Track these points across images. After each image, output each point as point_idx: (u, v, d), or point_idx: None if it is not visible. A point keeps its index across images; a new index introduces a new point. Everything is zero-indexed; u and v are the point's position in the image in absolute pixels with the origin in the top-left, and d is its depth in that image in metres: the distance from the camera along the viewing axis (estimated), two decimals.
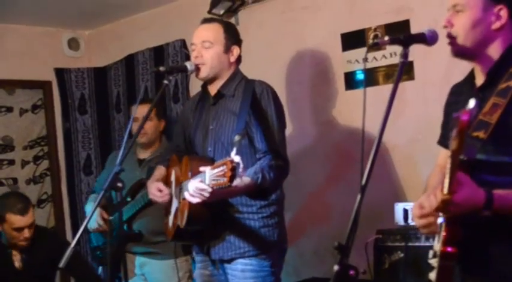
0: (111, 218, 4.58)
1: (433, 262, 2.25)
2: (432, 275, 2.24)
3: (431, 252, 2.27)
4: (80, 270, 4.69)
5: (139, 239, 4.66)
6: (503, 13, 2.44)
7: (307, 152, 5.06)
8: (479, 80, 2.54)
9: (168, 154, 3.90)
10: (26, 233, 4.40)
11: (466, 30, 2.46)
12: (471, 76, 2.61)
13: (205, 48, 3.56)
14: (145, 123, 4.60)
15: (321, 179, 5.05)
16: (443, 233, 2.19)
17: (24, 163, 6.62)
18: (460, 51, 2.52)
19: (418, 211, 2.40)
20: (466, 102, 2.10)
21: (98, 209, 4.66)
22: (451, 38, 2.50)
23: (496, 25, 2.45)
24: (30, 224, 4.41)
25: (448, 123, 2.64)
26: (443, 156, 2.69)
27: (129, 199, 4.64)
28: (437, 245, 2.24)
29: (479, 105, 2.18)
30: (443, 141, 2.76)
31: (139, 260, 4.78)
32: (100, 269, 4.88)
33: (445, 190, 2.10)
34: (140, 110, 4.70)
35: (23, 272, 4.48)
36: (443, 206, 2.14)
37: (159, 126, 4.87)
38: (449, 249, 2.17)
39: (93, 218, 4.71)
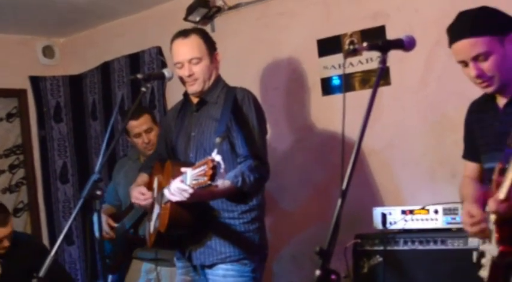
0: (116, 225, 4.57)
1: (484, 261, 2.71)
2: (483, 273, 2.71)
3: (476, 254, 2.79)
4: (59, 279, 4.67)
5: (144, 244, 4.63)
6: None
7: (285, 157, 5.07)
8: (501, 97, 2.80)
9: (151, 162, 3.91)
10: (5, 243, 4.39)
11: (499, 68, 2.68)
12: (490, 96, 2.84)
13: (194, 65, 3.58)
14: (149, 135, 4.59)
15: (299, 184, 5.06)
16: (495, 235, 2.54)
17: None
18: (499, 88, 2.75)
19: (469, 220, 2.72)
20: (492, 119, 2.72)
21: (105, 217, 4.62)
22: (488, 82, 2.73)
23: None
24: (8, 234, 4.40)
25: (472, 139, 2.97)
26: (470, 168, 3.07)
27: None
28: (485, 246, 2.68)
29: None
30: (467, 155, 3.08)
31: (146, 266, 4.74)
32: (110, 277, 4.85)
33: (502, 195, 2.41)
34: (141, 124, 4.65)
35: (1, 278, 4.46)
36: (501, 209, 2.46)
37: (158, 131, 4.82)
38: (502, 248, 2.52)
39: (96, 227, 4.67)
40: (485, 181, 2.84)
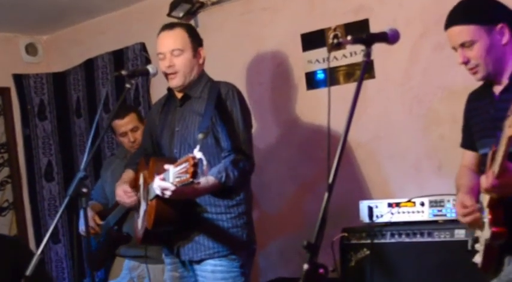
0: (102, 223, 4.57)
1: (478, 246, 2.78)
2: (477, 258, 2.78)
3: (470, 241, 2.85)
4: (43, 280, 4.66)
5: (127, 241, 4.62)
6: (505, 30, 2.74)
7: (270, 152, 5.08)
8: (497, 86, 2.83)
9: (137, 157, 3.90)
10: None
11: (483, 57, 2.74)
12: (488, 84, 2.89)
13: (176, 56, 3.56)
14: (135, 134, 4.59)
15: (285, 179, 5.06)
16: (488, 216, 2.58)
17: None
18: (485, 76, 2.81)
19: (462, 210, 2.77)
20: (488, 106, 2.77)
21: (91, 213, 4.61)
22: (474, 69, 2.79)
23: (504, 41, 2.74)
24: None
25: (469, 127, 3.00)
26: (468, 156, 3.07)
27: None
28: (479, 233, 2.74)
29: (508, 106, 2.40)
30: (465, 144, 3.10)
31: (128, 263, 4.73)
32: (99, 273, 4.84)
33: (495, 172, 2.45)
34: (127, 123, 4.63)
35: None
36: (492, 188, 2.50)
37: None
38: (494, 229, 2.56)
39: (82, 221, 4.66)
40: (481, 167, 2.89)
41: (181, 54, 3.56)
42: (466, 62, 2.78)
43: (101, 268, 4.80)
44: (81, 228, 4.69)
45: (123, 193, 3.68)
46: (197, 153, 2.86)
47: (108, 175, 4.83)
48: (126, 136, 4.62)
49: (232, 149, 3.47)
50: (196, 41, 3.64)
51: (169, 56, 3.56)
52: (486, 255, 2.72)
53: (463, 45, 2.75)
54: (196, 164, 2.84)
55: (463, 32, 2.73)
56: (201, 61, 3.66)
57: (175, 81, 3.59)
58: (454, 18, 2.78)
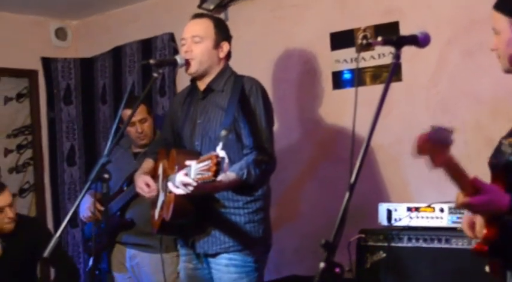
0: (102, 209, 4.59)
1: None
2: (487, 268, 2.60)
3: None
4: (61, 261, 4.70)
5: (130, 227, 4.65)
6: None
7: (292, 149, 5.07)
8: None
9: (157, 147, 3.90)
10: (9, 213, 4.39)
11: (503, 50, 2.59)
12: None
13: (195, 43, 3.56)
14: (143, 125, 4.62)
15: (305, 177, 5.07)
16: (484, 231, 2.43)
17: (7, 152, 6.58)
18: (505, 69, 2.65)
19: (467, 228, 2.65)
20: None
21: (91, 199, 4.64)
22: (499, 58, 2.64)
23: None
24: (9, 203, 4.40)
25: None
26: None
27: (125, 188, 4.64)
28: None
29: None
30: None
31: (129, 252, 4.77)
32: (91, 260, 4.87)
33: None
34: (136, 114, 4.61)
35: (3, 260, 4.47)
36: (463, 208, 2.40)
37: (152, 122, 4.83)
38: (476, 245, 2.43)
39: (85, 206, 4.69)
40: None
41: (201, 41, 3.55)
42: (493, 49, 2.66)
43: (99, 254, 4.81)
44: (82, 214, 4.73)
45: (145, 185, 3.66)
46: (220, 152, 2.86)
47: (111, 164, 4.85)
48: (134, 126, 4.66)
49: (255, 147, 3.47)
50: (221, 34, 3.63)
51: (190, 42, 3.57)
52: (491, 267, 2.64)
53: (494, 30, 2.63)
54: (219, 163, 2.85)
55: (493, 18, 2.61)
56: (221, 55, 3.63)
57: (190, 68, 3.57)
58: (496, 1, 2.65)
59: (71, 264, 4.86)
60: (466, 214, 2.70)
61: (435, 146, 2.21)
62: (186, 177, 3.11)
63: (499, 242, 2.38)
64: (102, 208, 4.60)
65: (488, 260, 2.54)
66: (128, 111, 4.58)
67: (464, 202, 2.32)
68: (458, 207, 2.43)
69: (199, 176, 2.99)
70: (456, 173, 2.28)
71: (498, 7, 2.60)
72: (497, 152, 2.49)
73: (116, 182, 4.55)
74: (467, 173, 2.29)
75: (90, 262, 4.71)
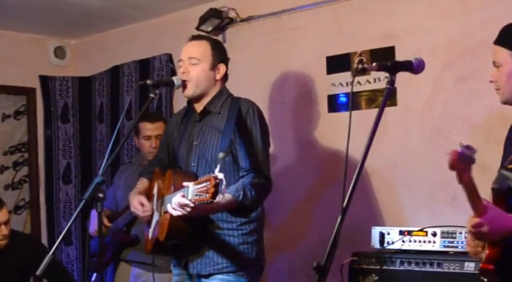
0: (110, 225, 4.62)
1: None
2: None
3: None
4: (56, 277, 4.69)
5: (135, 243, 4.65)
6: None
7: (287, 171, 5.09)
8: None
9: (152, 167, 3.92)
10: (4, 230, 4.39)
11: (503, 82, 2.65)
12: None
13: (192, 65, 3.59)
14: (158, 142, 4.63)
15: (299, 199, 5.08)
16: (486, 251, 2.45)
17: (3, 168, 6.60)
18: (504, 101, 2.71)
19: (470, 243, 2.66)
20: None
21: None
22: (497, 91, 2.70)
23: None
24: (5, 220, 4.41)
25: (505, 156, 2.87)
26: None
27: None
28: None
29: None
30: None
31: (134, 270, 4.76)
32: (94, 276, 4.87)
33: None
34: (155, 129, 4.70)
35: None
36: (475, 228, 2.37)
37: None
38: (482, 265, 2.44)
39: (94, 221, 4.69)
40: None
41: (198, 63, 3.58)
42: (492, 81, 2.74)
43: (103, 269, 4.81)
44: (91, 228, 4.73)
45: (139, 205, 3.68)
46: (219, 174, 2.88)
47: (121, 181, 4.87)
48: (150, 140, 4.70)
49: (251, 169, 3.49)
50: (218, 56, 3.66)
51: (187, 63, 3.60)
52: None
53: (494, 64, 2.71)
54: (217, 185, 2.87)
55: (495, 52, 2.70)
56: (218, 76, 3.65)
57: (186, 90, 3.60)
58: (497, 37, 2.74)
59: (69, 280, 4.85)
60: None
61: (463, 163, 2.21)
62: (183, 199, 3.12)
63: (503, 262, 2.42)
64: (109, 224, 4.62)
65: (489, 280, 2.56)
66: (148, 125, 4.65)
67: (476, 223, 2.34)
68: (471, 230, 2.44)
69: (196, 197, 3.01)
70: (473, 193, 2.30)
71: (500, 41, 2.66)
72: (499, 178, 2.51)
73: (123, 199, 4.56)
74: (480, 196, 2.33)
75: (93, 278, 4.73)
